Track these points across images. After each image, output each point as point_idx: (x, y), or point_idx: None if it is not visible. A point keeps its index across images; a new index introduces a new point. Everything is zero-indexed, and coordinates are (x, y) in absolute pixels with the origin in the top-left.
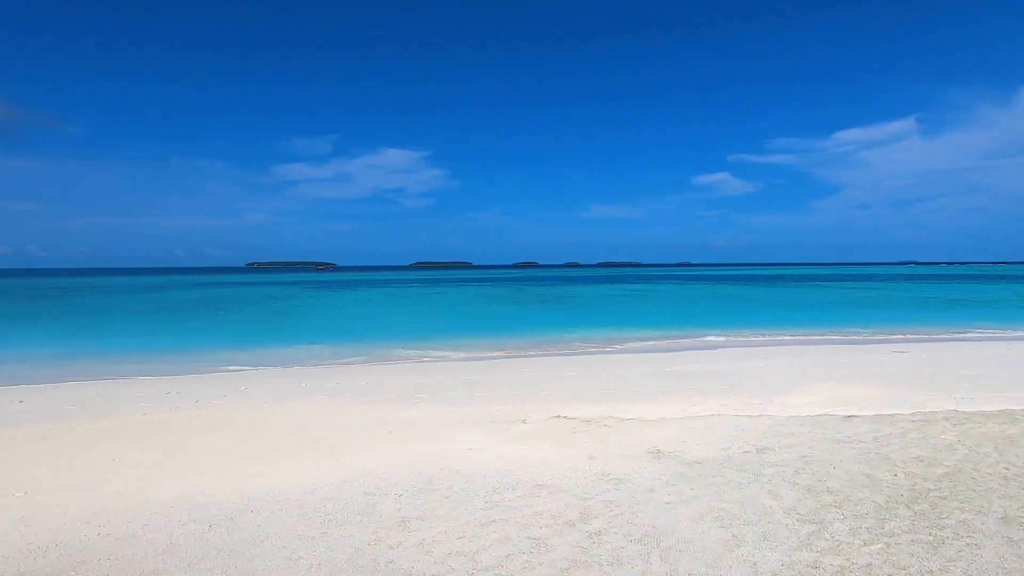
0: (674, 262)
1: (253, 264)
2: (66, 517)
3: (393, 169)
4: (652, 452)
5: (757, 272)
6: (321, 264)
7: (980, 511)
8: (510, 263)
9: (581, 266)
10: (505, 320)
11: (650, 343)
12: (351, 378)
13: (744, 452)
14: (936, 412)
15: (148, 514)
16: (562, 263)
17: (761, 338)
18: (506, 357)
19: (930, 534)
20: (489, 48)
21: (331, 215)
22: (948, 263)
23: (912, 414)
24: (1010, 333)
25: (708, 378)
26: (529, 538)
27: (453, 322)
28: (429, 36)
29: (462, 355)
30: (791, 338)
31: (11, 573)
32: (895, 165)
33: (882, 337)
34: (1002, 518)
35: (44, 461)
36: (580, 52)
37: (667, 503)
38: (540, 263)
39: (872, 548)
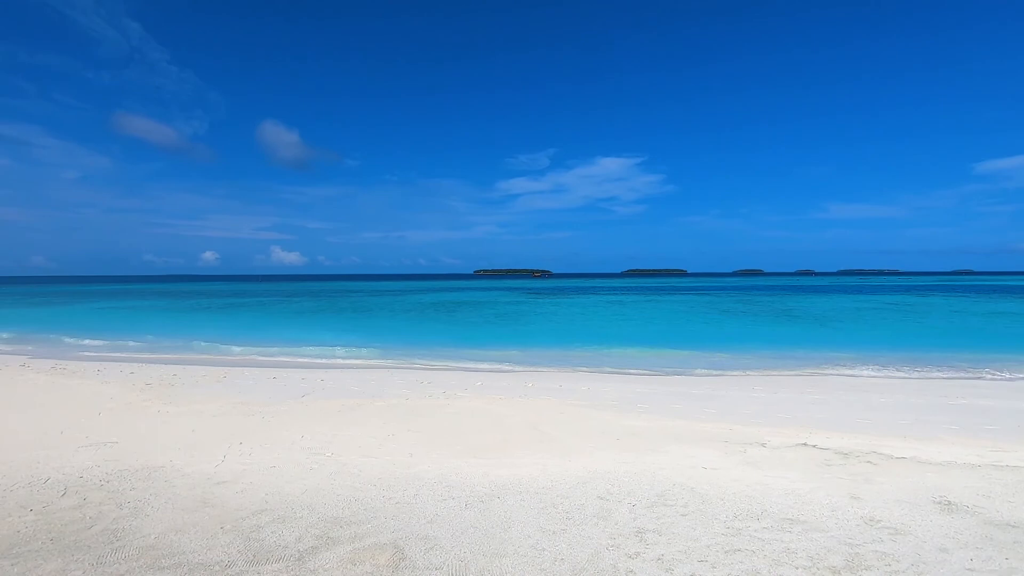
0: (948, 270)
1: (479, 271)
2: (359, 477)
3: (607, 178)
4: (940, 503)
5: None
6: (537, 271)
7: None
8: (730, 271)
9: (817, 274)
10: (728, 332)
11: (918, 368)
12: (573, 382)
13: None
14: None
15: (418, 485)
16: (793, 271)
17: None
18: (733, 374)
19: None
20: (708, 39)
21: (548, 225)
22: None
23: None
24: None
25: (1011, 417)
26: None
27: (670, 332)
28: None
29: (681, 367)
30: None
31: (328, 516)
32: None
33: None
34: None
35: (342, 429)
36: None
37: (968, 570)
38: (765, 271)
39: None
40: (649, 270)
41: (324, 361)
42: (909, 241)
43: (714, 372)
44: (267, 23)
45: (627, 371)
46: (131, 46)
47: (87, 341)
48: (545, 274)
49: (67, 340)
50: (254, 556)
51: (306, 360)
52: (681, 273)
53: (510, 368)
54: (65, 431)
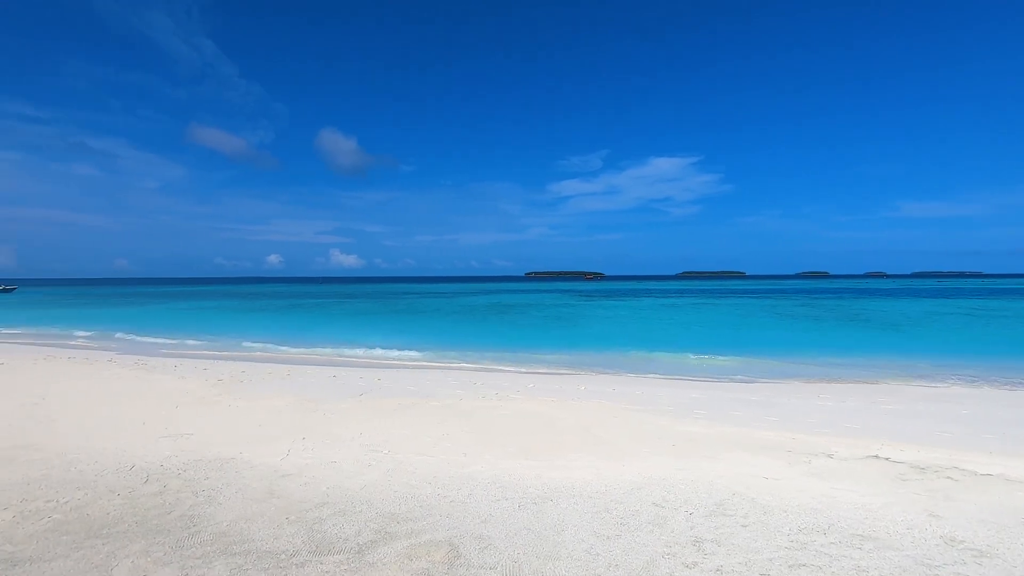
0: None
1: (531, 273)
2: (415, 475)
3: (660, 178)
4: None
5: None
6: (590, 274)
7: None
8: (792, 273)
9: (889, 276)
10: (789, 337)
11: (1004, 378)
12: (626, 386)
13: None
14: None
15: (472, 485)
16: (861, 273)
17: None
18: (795, 380)
19: None
20: (768, 33)
21: (600, 227)
22: None
23: None
24: None
25: None
26: None
27: (727, 336)
28: (696, 37)
29: (739, 373)
30: None
31: (385, 512)
32: None
33: None
34: None
35: (398, 428)
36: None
37: None
38: (831, 273)
39: None
40: (705, 272)
41: (381, 361)
42: (990, 241)
43: (774, 379)
44: (326, 34)
45: (682, 376)
46: (204, 62)
47: (163, 340)
48: (597, 276)
49: (146, 339)
50: (317, 547)
51: (364, 359)
52: (739, 275)
53: (562, 371)
54: (147, 422)
